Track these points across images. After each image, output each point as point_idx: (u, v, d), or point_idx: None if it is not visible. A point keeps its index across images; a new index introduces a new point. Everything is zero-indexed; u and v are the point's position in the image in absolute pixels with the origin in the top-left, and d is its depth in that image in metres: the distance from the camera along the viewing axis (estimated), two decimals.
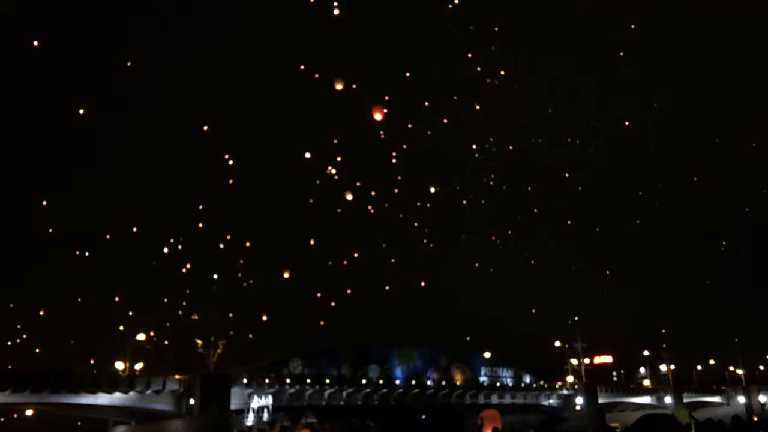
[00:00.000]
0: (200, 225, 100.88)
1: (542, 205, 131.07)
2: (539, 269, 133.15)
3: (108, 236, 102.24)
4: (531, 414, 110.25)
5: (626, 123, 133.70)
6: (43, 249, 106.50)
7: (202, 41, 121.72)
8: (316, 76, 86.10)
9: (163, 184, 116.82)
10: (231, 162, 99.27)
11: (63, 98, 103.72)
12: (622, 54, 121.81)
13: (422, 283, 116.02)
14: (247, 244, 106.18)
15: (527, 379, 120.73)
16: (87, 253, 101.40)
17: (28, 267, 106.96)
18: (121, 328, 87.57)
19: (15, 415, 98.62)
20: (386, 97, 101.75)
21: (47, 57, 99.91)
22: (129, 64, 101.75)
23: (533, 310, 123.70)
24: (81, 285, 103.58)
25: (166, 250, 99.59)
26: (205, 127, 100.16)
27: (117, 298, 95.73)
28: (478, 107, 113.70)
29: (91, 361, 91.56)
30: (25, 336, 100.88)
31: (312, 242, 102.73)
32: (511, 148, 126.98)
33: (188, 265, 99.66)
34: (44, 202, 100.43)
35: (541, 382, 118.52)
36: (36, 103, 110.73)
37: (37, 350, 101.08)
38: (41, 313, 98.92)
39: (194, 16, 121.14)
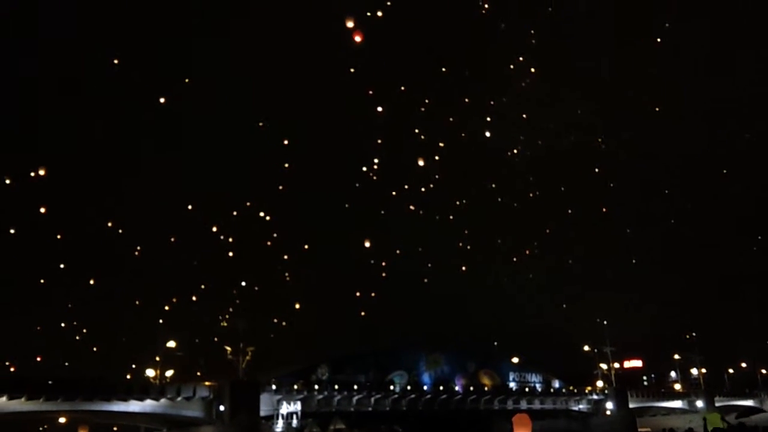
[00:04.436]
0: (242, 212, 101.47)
1: (574, 207, 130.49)
2: (570, 273, 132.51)
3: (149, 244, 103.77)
4: (561, 419, 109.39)
5: (657, 109, 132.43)
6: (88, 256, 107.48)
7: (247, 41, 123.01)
8: (352, 69, 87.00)
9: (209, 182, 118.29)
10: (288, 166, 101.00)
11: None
12: (659, 40, 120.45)
13: (463, 268, 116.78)
14: (306, 246, 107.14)
15: (556, 384, 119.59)
16: (138, 250, 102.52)
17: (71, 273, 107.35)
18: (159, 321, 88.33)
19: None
20: (426, 99, 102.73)
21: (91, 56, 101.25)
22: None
23: (564, 305, 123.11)
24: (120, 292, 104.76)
25: (215, 228, 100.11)
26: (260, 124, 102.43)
27: (167, 307, 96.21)
28: (509, 106, 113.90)
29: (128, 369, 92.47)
30: (83, 332, 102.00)
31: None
32: (540, 142, 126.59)
33: (231, 254, 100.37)
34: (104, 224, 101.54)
35: (571, 387, 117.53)
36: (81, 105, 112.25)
37: (95, 348, 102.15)
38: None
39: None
